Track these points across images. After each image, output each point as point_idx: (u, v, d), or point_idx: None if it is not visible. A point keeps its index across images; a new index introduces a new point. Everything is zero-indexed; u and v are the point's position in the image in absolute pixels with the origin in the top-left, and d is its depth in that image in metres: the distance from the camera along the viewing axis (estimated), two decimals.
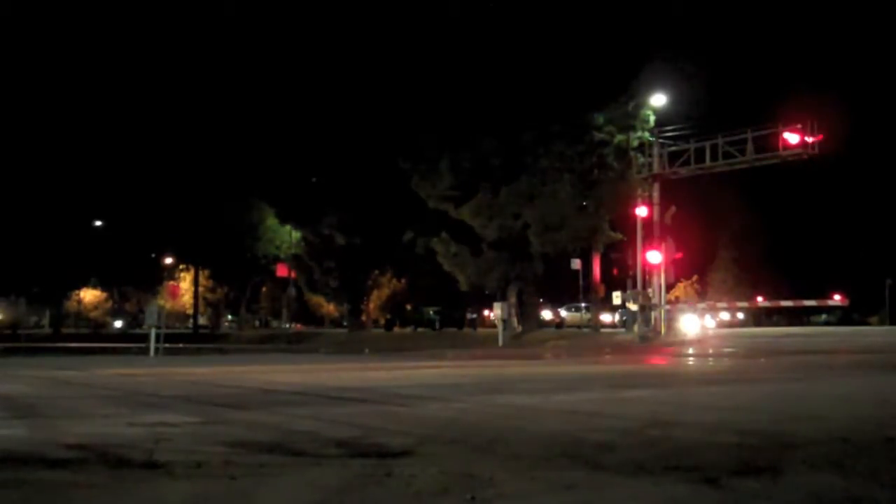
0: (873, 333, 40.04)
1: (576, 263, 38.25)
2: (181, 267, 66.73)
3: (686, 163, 32.08)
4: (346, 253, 49.41)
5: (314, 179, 47.80)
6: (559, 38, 33.70)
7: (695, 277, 62.72)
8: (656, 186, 32.94)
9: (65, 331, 65.44)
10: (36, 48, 47.05)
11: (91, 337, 55.97)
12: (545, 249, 37.03)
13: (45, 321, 78.45)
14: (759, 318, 61.92)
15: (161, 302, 52.49)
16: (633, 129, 34.89)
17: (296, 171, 47.28)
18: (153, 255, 63.65)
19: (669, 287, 40.23)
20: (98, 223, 60.24)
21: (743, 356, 21.86)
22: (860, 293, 55.37)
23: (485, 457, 5.39)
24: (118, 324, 75.54)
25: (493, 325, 38.70)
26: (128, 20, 45.84)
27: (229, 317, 75.87)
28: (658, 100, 34.49)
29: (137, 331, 57.04)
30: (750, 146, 30.19)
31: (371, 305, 55.62)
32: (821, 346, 24.95)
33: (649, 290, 32.43)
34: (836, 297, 44.32)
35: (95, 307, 76.65)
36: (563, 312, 51.96)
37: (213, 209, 53.98)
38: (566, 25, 33.87)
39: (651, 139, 33.88)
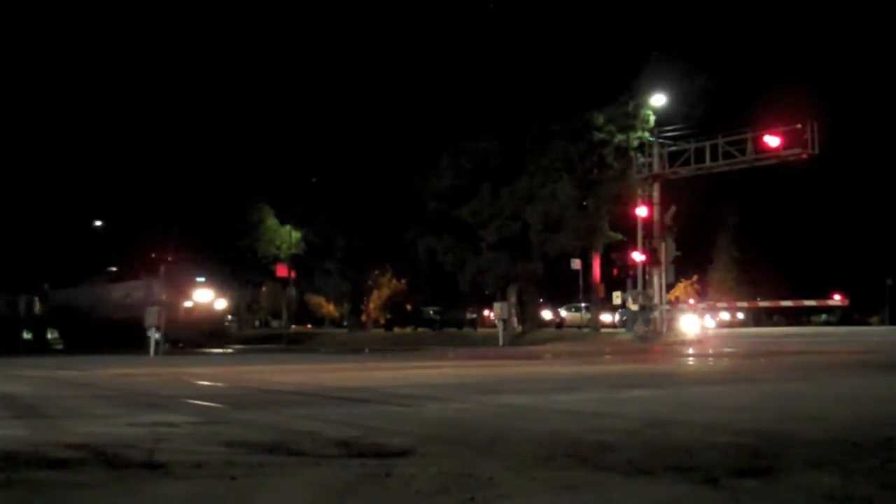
0: (873, 333, 40.07)
1: (576, 263, 38.25)
2: None
3: (686, 163, 32.08)
4: (346, 253, 49.40)
5: (314, 179, 47.82)
6: (559, 38, 33.78)
7: (695, 277, 62.69)
8: (656, 186, 32.95)
9: None
10: (36, 48, 47.04)
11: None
12: (545, 249, 37.06)
13: None
14: (759, 318, 61.86)
15: None
16: (633, 128, 34.96)
17: (296, 171, 47.29)
18: (153, 255, 63.54)
19: (669, 287, 40.22)
20: (98, 223, 60.20)
21: (743, 356, 21.85)
22: (860, 293, 55.27)
23: (485, 457, 5.38)
24: None
25: (493, 325, 38.68)
26: (128, 20, 45.83)
27: (229, 317, 75.72)
28: (658, 100, 34.54)
29: None
30: (750, 146, 30.19)
31: (371, 305, 55.56)
32: (821, 347, 24.95)
33: (649, 291, 32.45)
34: (836, 297, 44.18)
35: None
36: (563, 312, 51.98)
37: (214, 209, 53.92)
38: (567, 25, 33.96)
39: (651, 139, 33.89)
